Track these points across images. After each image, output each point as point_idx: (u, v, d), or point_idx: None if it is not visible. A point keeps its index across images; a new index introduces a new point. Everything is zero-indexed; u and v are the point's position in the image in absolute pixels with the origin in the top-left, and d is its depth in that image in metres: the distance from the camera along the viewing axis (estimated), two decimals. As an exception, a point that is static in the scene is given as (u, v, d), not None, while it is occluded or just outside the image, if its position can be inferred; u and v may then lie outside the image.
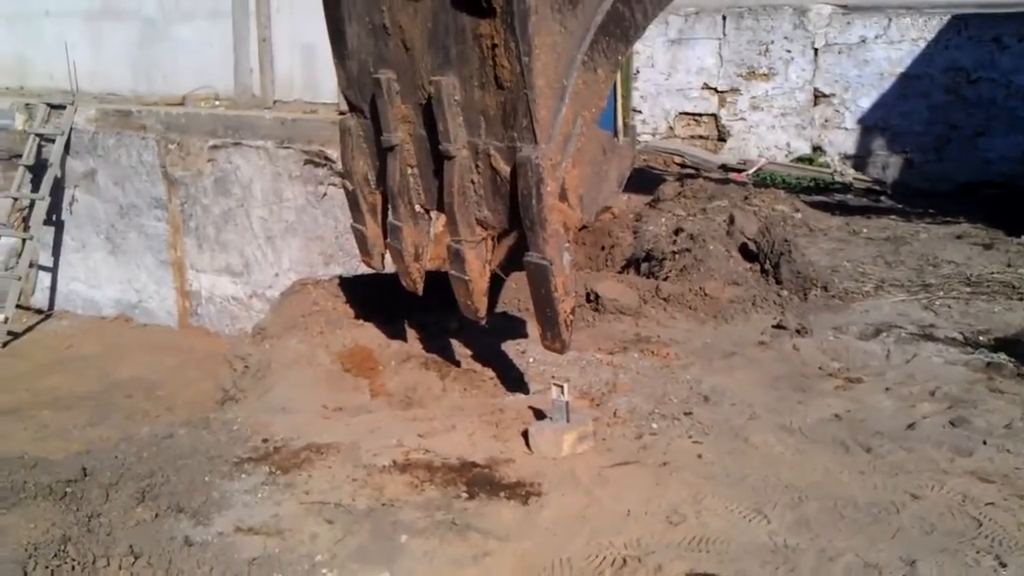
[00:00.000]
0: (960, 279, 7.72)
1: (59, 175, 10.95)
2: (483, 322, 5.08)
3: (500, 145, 4.45)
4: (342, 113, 9.48)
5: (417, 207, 5.23)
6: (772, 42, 14.07)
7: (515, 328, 6.17)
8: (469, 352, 5.80)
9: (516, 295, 6.57)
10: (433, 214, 5.32)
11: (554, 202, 4.30)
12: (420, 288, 5.43)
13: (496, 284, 5.40)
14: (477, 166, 4.63)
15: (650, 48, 14.83)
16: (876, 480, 4.11)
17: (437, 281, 5.45)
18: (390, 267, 5.77)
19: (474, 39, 4.32)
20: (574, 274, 4.73)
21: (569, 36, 4.19)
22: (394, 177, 5.17)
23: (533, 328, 5.56)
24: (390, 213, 5.38)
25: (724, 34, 14.47)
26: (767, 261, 7.56)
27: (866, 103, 13.48)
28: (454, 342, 5.91)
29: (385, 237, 5.59)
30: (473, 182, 4.68)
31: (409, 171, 5.16)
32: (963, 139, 12.85)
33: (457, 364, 5.66)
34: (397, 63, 4.92)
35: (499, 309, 6.54)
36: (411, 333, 5.99)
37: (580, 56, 4.24)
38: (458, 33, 4.41)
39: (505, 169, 4.45)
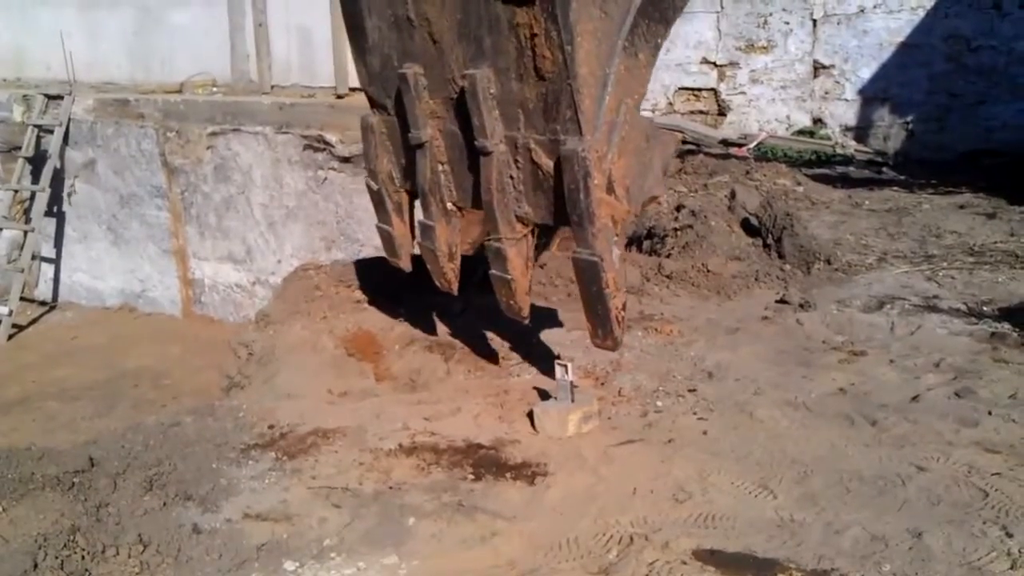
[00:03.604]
0: (963, 249, 7.69)
1: (59, 166, 10.92)
2: (526, 321, 4.89)
3: (541, 138, 4.25)
4: (339, 97, 9.48)
5: (449, 205, 5.01)
6: (770, 14, 13.96)
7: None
8: (473, 334, 5.81)
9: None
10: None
11: (602, 195, 4.13)
12: (455, 288, 5.26)
13: None
14: (516, 161, 4.43)
15: (648, 23, 14.71)
16: (882, 453, 4.12)
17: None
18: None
19: (510, 29, 4.11)
20: (624, 268, 4.54)
21: (609, 21, 4.01)
22: (424, 175, 4.95)
23: (535, 308, 5.55)
24: (421, 212, 5.17)
25: (722, 7, 14.35)
26: (769, 236, 7.54)
27: (866, 74, 13.38)
28: (458, 324, 5.91)
29: (412, 236, 5.43)
30: (512, 177, 4.49)
31: (440, 168, 4.95)
32: (964, 108, 12.76)
33: (462, 346, 5.66)
34: (424, 57, 4.70)
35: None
36: (414, 316, 5.99)
37: (621, 41, 4.07)
38: (492, 23, 4.20)
39: (547, 163, 4.26)
